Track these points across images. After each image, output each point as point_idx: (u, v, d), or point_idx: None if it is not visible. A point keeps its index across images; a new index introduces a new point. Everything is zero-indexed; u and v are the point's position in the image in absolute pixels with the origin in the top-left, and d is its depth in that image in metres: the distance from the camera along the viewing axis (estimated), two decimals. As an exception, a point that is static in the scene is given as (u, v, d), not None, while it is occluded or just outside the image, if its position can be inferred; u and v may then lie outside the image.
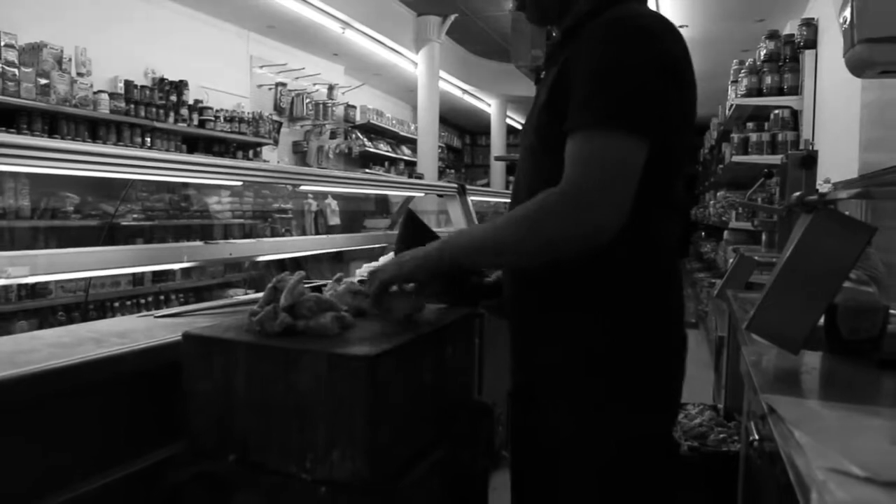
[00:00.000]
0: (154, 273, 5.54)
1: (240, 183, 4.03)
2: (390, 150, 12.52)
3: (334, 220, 6.71)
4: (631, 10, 1.28)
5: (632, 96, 1.18)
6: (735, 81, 5.48)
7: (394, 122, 12.52)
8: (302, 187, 3.02)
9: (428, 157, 10.38)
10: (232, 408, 1.29)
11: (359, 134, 11.32)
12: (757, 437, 1.44)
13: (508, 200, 1.53)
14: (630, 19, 1.24)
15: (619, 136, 1.17)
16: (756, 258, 2.69)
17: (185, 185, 5.74)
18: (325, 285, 1.64)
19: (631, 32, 1.22)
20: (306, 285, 1.43)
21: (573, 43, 1.29)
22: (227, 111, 7.83)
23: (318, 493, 1.20)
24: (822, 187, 2.73)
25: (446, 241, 1.36)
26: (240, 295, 4.37)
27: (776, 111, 4.97)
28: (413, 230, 1.61)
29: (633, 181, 1.17)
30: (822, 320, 1.45)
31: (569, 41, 1.32)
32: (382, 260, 1.51)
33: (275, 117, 9.03)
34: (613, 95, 1.18)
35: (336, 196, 6.71)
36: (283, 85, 9.38)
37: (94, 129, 6.09)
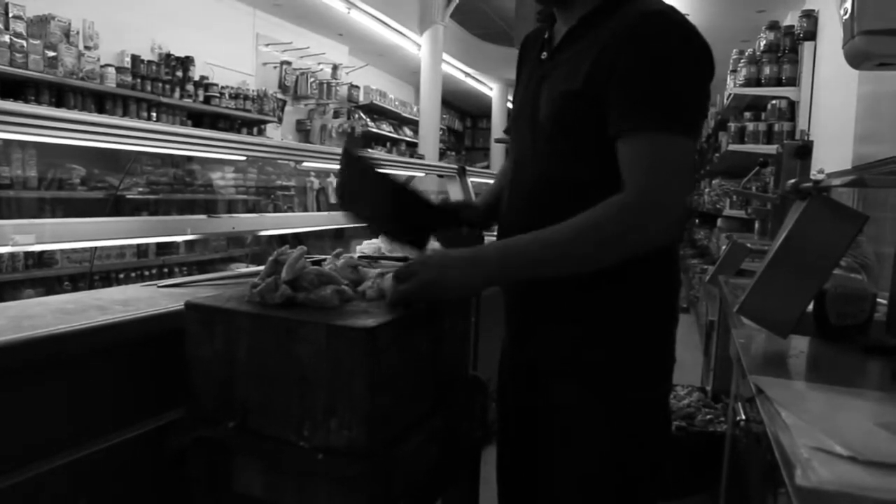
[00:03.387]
0: (158, 246, 5.56)
1: (244, 158, 4.03)
2: (392, 130, 12.50)
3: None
4: (654, 2, 1.27)
5: (688, 98, 1.21)
6: (734, 71, 5.48)
7: (396, 103, 12.49)
8: (305, 164, 3.03)
9: (429, 138, 10.36)
10: (232, 376, 1.30)
11: (362, 114, 11.30)
12: (744, 417, 1.47)
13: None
14: (667, 14, 1.23)
15: (682, 140, 1.19)
16: (748, 245, 2.70)
17: (190, 159, 5.72)
18: (324, 260, 1.65)
19: (675, 29, 1.22)
20: (307, 259, 1.44)
21: (594, 33, 1.28)
22: (232, 88, 7.83)
23: (315, 460, 1.22)
24: (816, 177, 2.75)
25: (495, 270, 1.28)
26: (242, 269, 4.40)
27: (773, 101, 4.97)
28: (352, 170, 1.54)
29: (692, 180, 1.21)
30: (811, 306, 1.48)
31: (587, 30, 1.32)
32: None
33: (279, 95, 9.01)
34: (673, 98, 1.19)
35: (339, 175, 6.69)
36: (288, 63, 9.36)
37: (101, 102, 6.09)
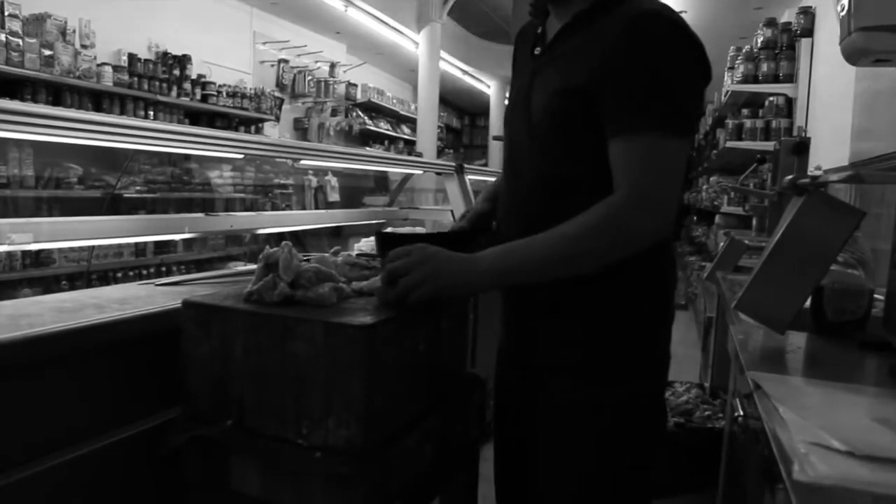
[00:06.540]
0: (156, 244, 5.55)
1: (241, 156, 4.02)
2: (390, 128, 12.50)
3: (334, 197, 6.70)
4: (651, 1, 1.26)
5: (683, 98, 1.22)
6: (732, 68, 5.49)
7: (394, 101, 12.49)
8: (302, 162, 3.03)
9: (427, 136, 10.36)
10: (229, 374, 1.29)
11: (359, 112, 11.30)
12: (742, 413, 1.46)
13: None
14: (663, 14, 1.23)
15: (675, 140, 1.21)
16: (746, 242, 2.71)
17: (187, 158, 5.72)
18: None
19: (671, 30, 1.22)
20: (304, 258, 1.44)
21: (590, 30, 1.28)
22: (229, 86, 7.83)
23: (312, 459, 1.22)
24: (813, 174, 2.75)
25: (492, 265, 1.28)
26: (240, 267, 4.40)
27: (771, 98, 4.98)
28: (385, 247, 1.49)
29: (684, 180, 1.24)
30: (808, 302, 1.48)
31: (582, 27, 1.31)
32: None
33: (277, 94, 9.01)
34: (667, 98, 1.20)
35: (336, 173, 6.69)
36: (286, 62, 9.37)
37: (98, 101, 6.08)
